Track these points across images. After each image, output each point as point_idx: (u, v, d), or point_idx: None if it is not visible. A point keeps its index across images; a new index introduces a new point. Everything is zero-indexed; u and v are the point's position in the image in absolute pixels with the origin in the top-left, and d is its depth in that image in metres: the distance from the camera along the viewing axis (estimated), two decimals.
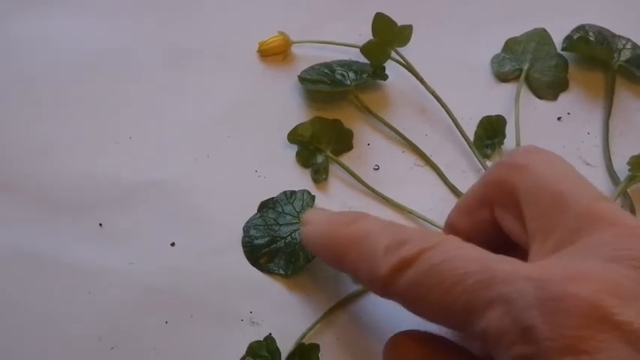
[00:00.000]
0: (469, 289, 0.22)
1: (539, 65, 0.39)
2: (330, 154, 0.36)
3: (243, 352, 0.30)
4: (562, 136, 0.37)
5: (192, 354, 0.30)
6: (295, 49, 0.39)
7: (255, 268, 0.32)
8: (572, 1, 0.42)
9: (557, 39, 0.40)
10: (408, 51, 0.38)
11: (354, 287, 0.32)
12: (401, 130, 0.37)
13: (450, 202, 0.32)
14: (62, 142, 0.36)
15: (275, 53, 0.39)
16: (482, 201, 0.28)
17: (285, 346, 0.30)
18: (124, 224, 0.33)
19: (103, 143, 0.36)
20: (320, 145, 0.36)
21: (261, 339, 0.30)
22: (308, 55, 0.39)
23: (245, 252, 0.33)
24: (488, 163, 0.36)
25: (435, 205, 0.35)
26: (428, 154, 0.36)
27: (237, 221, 0.34)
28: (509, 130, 0.36)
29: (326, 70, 0.37)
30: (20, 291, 0.31)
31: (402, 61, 0.38)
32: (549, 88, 0.39)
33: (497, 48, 0.40)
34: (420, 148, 0.36)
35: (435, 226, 0.33)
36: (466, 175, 0.36)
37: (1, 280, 0.32)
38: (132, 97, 0.37)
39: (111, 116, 0.37)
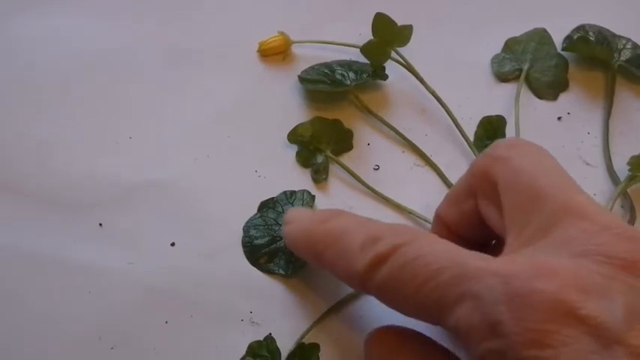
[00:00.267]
0: (441, 285, 0.22)
1: (539, 65, 0.39)
2: (330, 154, 0.36)
3: (243, 352, 0.30)
4: (562, 136, 0.37)
5: (192, 354, 0.30)
6: (295, 49, 0.39)
7: (255, 268, 0.32)
8: (572, 1, 0.42)
9: (557, 39, 0.40)
10: (408, 51, 0.38)
11: None
12: (401, 130, 0.37)
13: None
14: (62, 142, 0.36)
15: (275, 53, 0.39)
16: (468, 191, 0.28)
17: (285, 346, 0.30)
18: (124, 224, 0.33)
19: (103, 143, 0.36)
20: (320, 145, 0.36)
21: (261, 339, 0.30)
22: (308, 55, 0.39)
23: (245, 252, 0.33)
24: None
25: (435, 205, 0.34)
26: (428, 154, 0.36)
27: (237, 221, 0.34)
28: (510, 130, 0.36)
29: (326, 70, 0.37)
30: (20, 291, 0.32)
31: (402, 61, 0.38)
32: (549, 88, 0.39)
33: (497, 48, 0.40)
34: (420, 148, 0.36)
35: None
36: None
37: (1, 280, 0.32)
38: (132, 97, 0.37)
39: (111, 116, 0.37)
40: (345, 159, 0.36)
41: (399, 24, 0.37)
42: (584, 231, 0.22)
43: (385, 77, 0.38)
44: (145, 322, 0.31)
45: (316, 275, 0.32)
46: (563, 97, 0.39)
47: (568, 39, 0.40)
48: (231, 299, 0.32)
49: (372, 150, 0.37)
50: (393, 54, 0.38)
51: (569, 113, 0.38)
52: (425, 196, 0.35)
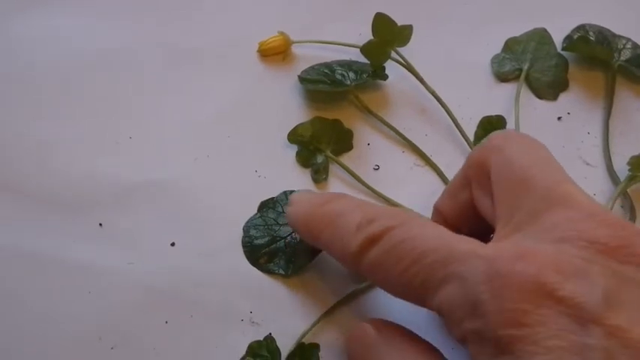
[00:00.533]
0: (427, 267, 0.23)
1: (539, 65, 0.39)
2: (330, 154, 0.36)
3: (243, 352, 0.30)
4: (562, 136, 0.37)
5: (192, 354, 0.30)
6: (295, 49, 0.39)
7: (255, 268, 0.32)
8: (572, 1, 0.42)
9: (557, 39, 0.40)
10: (408, 51, 0.38)
11: (354, 286, 0.32)
12: (401, 130, 0.37)
13: None
14: (62, 142, 0.36)
15: (275, 53, 0.39)
16: (464, 182, 0.28)
17: (285, 346, 0.30)
18: (124, 224, 0.33)
19: (103, 143, 0.36)
20: (320, 145, 0.36)
21: (261, 339, 0.30)
22: (308, 55, 0.39)
23: (245, 252, 0.33)
24: None
25: None
26: (428, 154, 0.36)
27: (237, 221, 0.34)
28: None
29: (326, 70, 0.37)
30: (20, 291, 0.31)
31: (402, 61, 0.38)
32: (549, 88, 0.39)
33: (497, 48, 0.40)
34: (420, 148, 0.36)
35: None
36: None
37: (1, 280, 0.32)
38: (132, 97, 0.37)
39: (111, 116, 0.37)
40: (345, 159, 0.36)
41: (399, 24, 0.37)
42: (568, 218, 0.23)
43: (385, 77, 0.38)
44: (145, 322, 0.31)
45: (316, 275, 0.32)
46: (563, 97, 0.39)
47: (568, 39, 0.40)
48: (231, 299, 0.32)
49: (372, 150, 0.37)
50: (393, 54, 0.38)
51: (569, 113, 0.38)
52: (425, 196, 0.35)
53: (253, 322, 0.31)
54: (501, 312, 0.20)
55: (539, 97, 0.39)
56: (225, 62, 0.39)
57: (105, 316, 0.31)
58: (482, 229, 0.28)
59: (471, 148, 0.36)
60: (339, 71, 0.37)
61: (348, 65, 0.38)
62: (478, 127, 0.37)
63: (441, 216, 0.30)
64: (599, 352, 0.19)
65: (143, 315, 0.31)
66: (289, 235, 0.33)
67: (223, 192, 0.35)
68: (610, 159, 0.36)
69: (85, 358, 0.30)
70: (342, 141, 0.36)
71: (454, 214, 0.29)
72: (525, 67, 0.39)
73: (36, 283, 0.32)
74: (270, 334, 0.31)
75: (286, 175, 0.35)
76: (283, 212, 0.33)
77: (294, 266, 0.32)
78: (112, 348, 0.30)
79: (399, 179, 0.36)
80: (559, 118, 0.38)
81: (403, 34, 0.37)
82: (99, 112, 0.37)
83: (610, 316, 0.20)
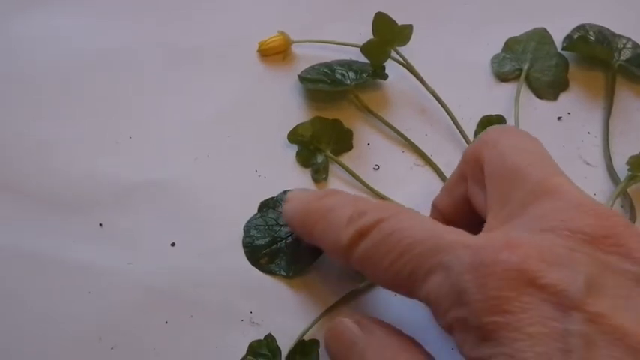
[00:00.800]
0: (415, 258, 0.23)
1: (539, 65, 0.39)
2: (330, 154, 0.36)
3: (243, 352, 0.30)
4: (562, 136, 0.37)
5: (192, 354, 0.30)
6: (295, 49, 0.39)
7: (255, 268, 0.32)
8: (572, 1, 0.42)
9: (557, 39, 0.40)
10: (408, 51, 0.38)
11: (354, 286, 0.32)
12: (401, 130, 0.37)
13: None
14: (62, 142, 0.36)
15: (275, 53, 0.39)
16: (460, 177, 0.29)
17: (286, 346, 0.30)
18: (124, 224, 0.33)
19: (103, 143, 0.36)
20: (320, 145, 0.36)
21: (262, 338, 0.30)
22: (308, 55, 0.39)
23: (246, 252, 0.33)
24: None
25: None
26: (428, 154, 0.36)
27: (238, 221, 0.34)
28: None
29: (326, 70, 0.37)
30: (20, 291, 0.31)
31: (402, 61, 0.38)
32: (549, 88, 0.39)
33: (497, 48, 0.40)
34: (420, 148, 0.36)
35: None
36: None
37: (1, 280, 0.32)
38: (132, 97, 0.37)
39: (111, 116, 0.37)
40: (345, 159, 0.36)
41: (399, 24, 0.37)
42: (555, 208, 0.23)
43: (385, 77, 0.38)
44: (145, 322, 0.31)
45: (316, 276, 0.32)
46: (563, 97, 0.39)
47: (568, 39, 0.39)
48: (231, 299, 0.32)
49: (372, 150, 0.37)
50: (393, 54, 0.38)
51: (569, 113, 0.38)
52: (425, 196, 0.35)
53: (253, 323, 0.31)
54: (485, 300, 0.21)
55: (539, 96, 0.39)
56: (225, 62, 0.39)
57: (105, 316, 0.31)
58: (478, 225, 0.28)
59: None
60: (339, 71, 0.37)
61: (348, 65, 0.38)
62: (478, 126, 0.37)
63: (438, 213, 0.30)
64: (579, 338, 0.20)
65: (143, 315, 0.31)
66: (290, 235, 0.33)
67: (223, 192, 0.35)
68: (610, 159, 0.36)
69: (85, 358, 0.30)
70: (342, 141, 0.36)
71: (451, 210, 0.29)
72: (525, 66, 0.39)
73: (36, 283, 0.32)
74: (270, 333, 0.31)
75: (286, 175, 0.35)
76: None
77: (295, 267, 0.32)
78: (112, 348, 0.30)
79: (399, 179, 0.36)
80: (559, 118, 0.38)
81: (403, 34, 0.37)
82: (99, 112, 0.37)
83: (591, 302, 0.20)
